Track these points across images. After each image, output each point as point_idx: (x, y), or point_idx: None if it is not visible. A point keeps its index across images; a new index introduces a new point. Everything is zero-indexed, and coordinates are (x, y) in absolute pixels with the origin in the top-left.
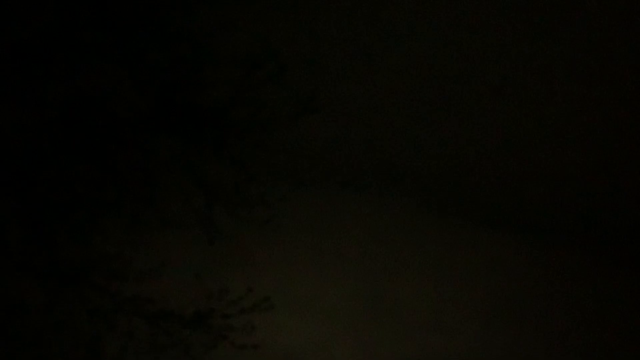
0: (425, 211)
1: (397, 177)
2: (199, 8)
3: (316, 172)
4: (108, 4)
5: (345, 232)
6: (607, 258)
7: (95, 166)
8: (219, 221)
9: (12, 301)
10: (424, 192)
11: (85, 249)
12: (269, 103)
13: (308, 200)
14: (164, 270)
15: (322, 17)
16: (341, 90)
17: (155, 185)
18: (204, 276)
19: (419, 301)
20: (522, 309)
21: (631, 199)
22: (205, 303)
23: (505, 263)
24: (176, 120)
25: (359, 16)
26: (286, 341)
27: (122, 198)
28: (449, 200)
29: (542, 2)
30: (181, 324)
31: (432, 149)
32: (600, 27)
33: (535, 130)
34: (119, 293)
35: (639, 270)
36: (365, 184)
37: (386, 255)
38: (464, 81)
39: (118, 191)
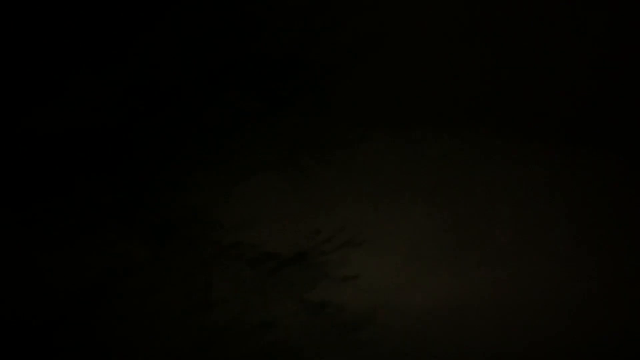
0: (502, 138)
1: (473, 110)
2: None
3: (392, 111)
4: None
5: (426, 167)
6: None
7: (180, 122)
8: (303, 165)
9: (121, 259)
10: (499, 122)
11: (182, 202)
12: (337, 46)
13: (387, 138)
14: (259, 216)
15: None
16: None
17: (239, 135)
18: (296, 219)
19: (506, 227)
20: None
21: None
22: (301, 243)
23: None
24: (250, 72)
25: None
26: (378, 274)
27: (209, 150)
28: (524, 124)
29: None
30: (282, 264)
31: (503, 80)
32: None
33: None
34: (220, 241)
35: None
36: (442, 118)
37: (469, 187)
38: None
39: (204, 144)
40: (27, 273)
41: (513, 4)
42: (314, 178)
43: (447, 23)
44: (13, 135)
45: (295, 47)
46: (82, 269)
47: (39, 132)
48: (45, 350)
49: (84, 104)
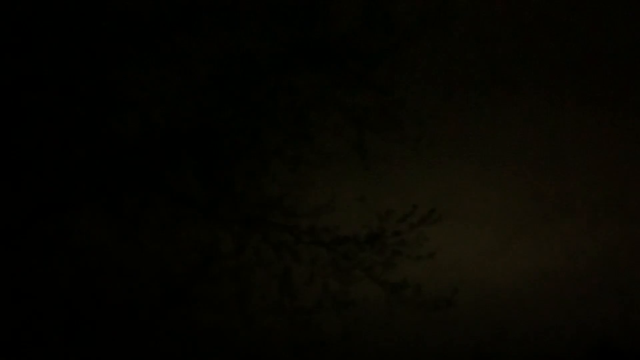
0: (583, 105)
1: (553, 73)
2: None
3: (463, 79)
4: None
5: (500, 136)
6: None
7: (253, 115)
8: (372, 146)
9: (208, 248)
10: (584, 86)
11: (259, 193)
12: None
13: (457, 109)
14: (332, 201)
15: None
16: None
17: (309, 123)
18: (369, 200)
19: (590, 193)
20: None
21: None
22: (375, 225)
23: None
24: (314, 56)
25: None
26: (455, 250)
27: (283, 141)
28: (604, 91)
29: None
30: (357, 246)
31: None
32: None
33: None
34: (296, 227)
35: None
36: (518, 83)
37: (547, 154)
38: None
39: (278, 135)
40: (117, 263)
41: None
42: (383, 158)
43: None
44: (103, 135)
45: (357, 28)
46: (173, 259)
47: (128, 133)
48: (149, 331)
49: (167, 104)
